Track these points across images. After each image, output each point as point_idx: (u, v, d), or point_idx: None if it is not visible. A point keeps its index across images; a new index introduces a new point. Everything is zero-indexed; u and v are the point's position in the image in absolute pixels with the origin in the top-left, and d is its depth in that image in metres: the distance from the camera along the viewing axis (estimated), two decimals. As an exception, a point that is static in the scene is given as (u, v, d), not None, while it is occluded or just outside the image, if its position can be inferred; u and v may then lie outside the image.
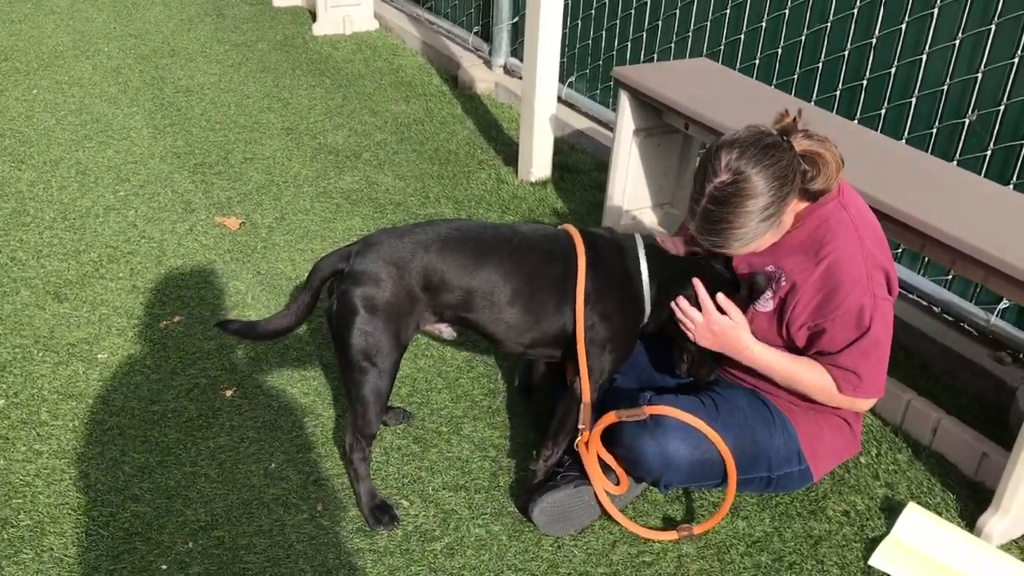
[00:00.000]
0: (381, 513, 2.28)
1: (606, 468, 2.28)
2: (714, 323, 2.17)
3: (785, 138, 2.02)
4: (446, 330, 2.28)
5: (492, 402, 2.73)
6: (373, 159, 4.26)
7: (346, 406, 2.66)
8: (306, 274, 3.28)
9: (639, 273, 2.25)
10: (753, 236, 2.04)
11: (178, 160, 4.15)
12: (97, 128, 4.42)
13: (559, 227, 2.32)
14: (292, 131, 4.52)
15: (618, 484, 2.28)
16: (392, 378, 2.18)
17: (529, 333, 2.23)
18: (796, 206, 2.11)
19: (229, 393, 2.72)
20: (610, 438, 2.26)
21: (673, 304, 2.22)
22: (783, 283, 2.16)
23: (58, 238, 3.48)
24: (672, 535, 2.26)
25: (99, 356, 2.85)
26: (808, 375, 2.17)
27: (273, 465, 2.46)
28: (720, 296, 2.17)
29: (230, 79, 5.14)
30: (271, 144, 4.36)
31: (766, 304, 2.21)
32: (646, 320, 2.28)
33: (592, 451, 2.24)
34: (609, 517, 2.27)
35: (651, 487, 2.37)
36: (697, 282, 2.18)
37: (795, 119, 2.06)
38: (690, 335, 2.21)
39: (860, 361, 2.12)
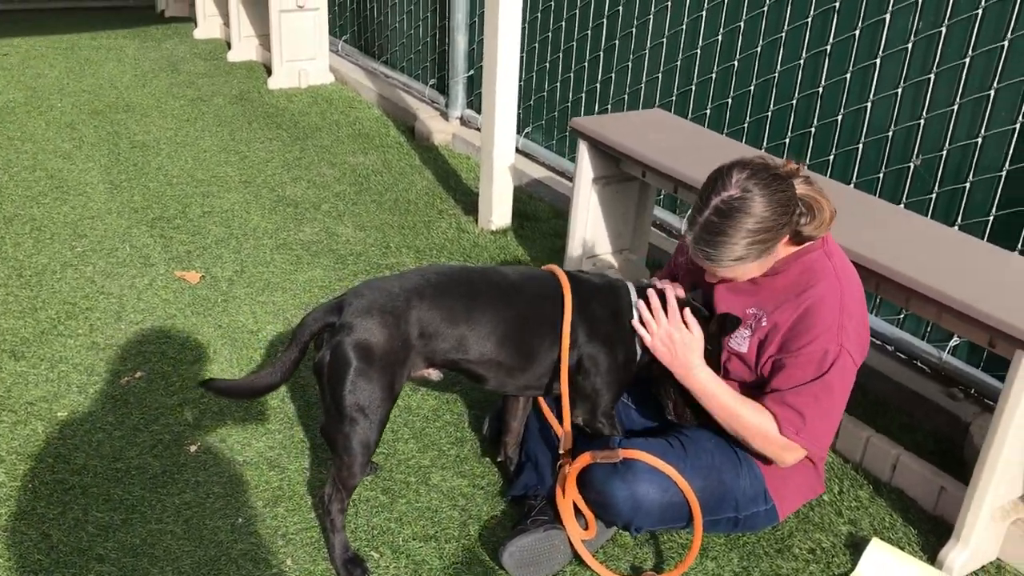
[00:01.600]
0: (353, 566, 2.26)
1: (575, 512, 2.29)
2: (674, 331, 2.22)
3: (789, 179, 2.11)
4: (434, 373, 2.29)
5: (460, 451, 2.74)
6: (332, 210, 4.28)
7: (314, 458, 2.65)
8: (267, 327, 3.30)
9: (631, 311, 2.31)
10: (744, 255, 2.09)
11: (136, 215, 4.13)
12: (52, 184, 4.39)
13: (543, 268, 2.37)
14: (250, 184, 4.52)
15: (587, 528, 2.30)
16: (382, 429, 2.18)
17: (521, 374, 2.28)
18: (785, 247, 2.18)
19: (193, 448, 2.69)
20: (580, 482, 2.28)
21: (640, 301, 2.27)
22: (764, 323, 2.22)
23: (13, 295, 3.43)
24: (638, 582, 2.28)
25: (59, 414, 2.81)
26: (748, 413, 2.19)
27: (240, 520, 2.44)
28: (687, 311, 2.24)
29: (186, 133, 5.14)
30: (229, 197, 4.36)
31: (742, 344, 2.26)
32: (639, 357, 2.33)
33: (569, 495, 2.26)
34: (580, 562, 2.28)
35: (621, 531, 2.39)
36: (670, 291, 2.25)
37: (798, 167, 2.16)
38: (647, 339, 2.26)
39: (808, 403, 2.15)
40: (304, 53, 6.05)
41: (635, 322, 2.28)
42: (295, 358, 2.19)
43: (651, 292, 2.27)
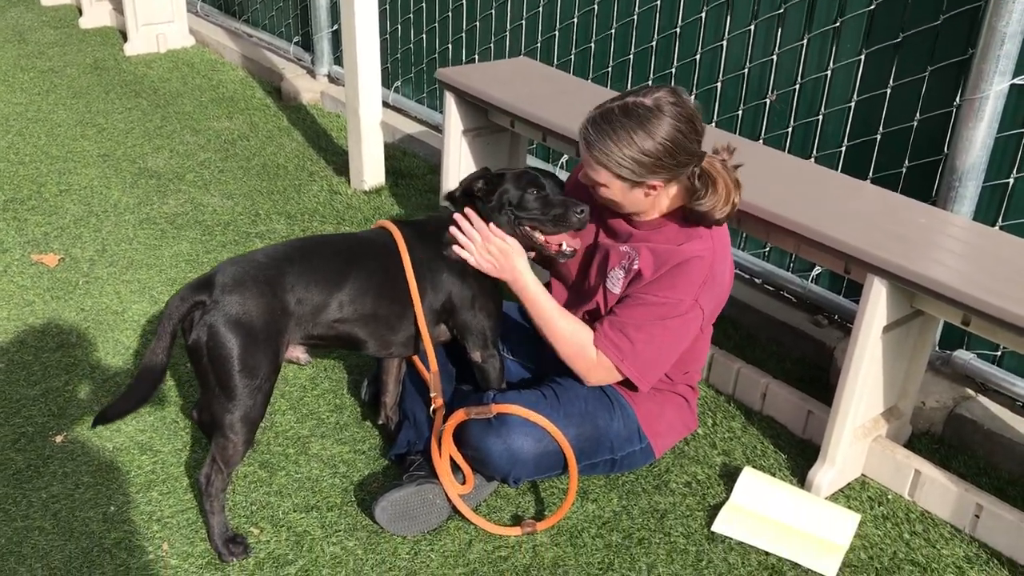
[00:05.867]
0: (233, 545, 2.21)
1: (453, 467, 2.31)
2: (492, 243, 2.24)
3: (704, 152, 2.14)
4: (303, 356, 2.26)
5: (339, 418, 2.70)
6: (198, 180, 4.13)
7: (187, 438, 2.59)
8: (134, 306, 3.18)
9: None
10: (616, 165, 2.10)
11: (-15, 198, 3.91)
12: None
13: (372, 227, 2.41)
14: (109, 157, 4.32)
15: (464, 483, 2.31)
16: (267, 403, 2.14)
17: (399, 321, 2.28)
18: (668, 198, 2.20)
19: (59, 439, 2.58)
20: (457, 439, 2.29)
21: (451, 228, 2.27)
22: (635, 266, 2.24)
23: None
24: (517, 531, 2.30)
25: (-91, 416, 2.66)
26: (565, 325, 2.24)
27: (113, 508, 2.36)
28: (491, 225, 2.27)
29: (38, 107, 4.87)
30: (87, 173, 4.16)
31: (615, 285, 2.29)
32: None
33: (445, 453, 2.27)
34: (460, 516, 2.30)
35: (502, 483, 2.41)
36: (469, 211, 2.28)
37: (726, 147, 2.20)
38: (471, 259, 2.26)
39: (640, 336, 2.18)
40: (161, 16, 5.77)
41: (455, 248, 2.28)
42: (166, 345, 2.10)
43: (457, 216, 2.28)
